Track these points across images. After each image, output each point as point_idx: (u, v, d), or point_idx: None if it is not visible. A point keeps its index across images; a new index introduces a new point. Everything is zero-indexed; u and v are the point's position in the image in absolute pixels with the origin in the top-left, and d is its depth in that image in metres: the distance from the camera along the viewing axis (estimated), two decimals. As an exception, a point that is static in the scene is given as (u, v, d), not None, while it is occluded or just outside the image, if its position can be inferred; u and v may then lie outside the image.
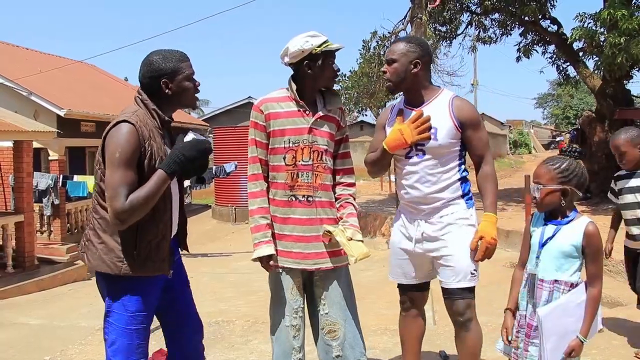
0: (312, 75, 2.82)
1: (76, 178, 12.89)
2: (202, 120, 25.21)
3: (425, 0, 12.73)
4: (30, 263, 10.76)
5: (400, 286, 3.13)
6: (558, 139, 46.12)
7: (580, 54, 13.42)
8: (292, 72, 2.90)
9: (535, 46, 15.19)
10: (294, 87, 2.86)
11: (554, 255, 2.39)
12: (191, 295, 2.76)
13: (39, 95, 13.51)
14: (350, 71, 16.37)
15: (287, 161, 2.83)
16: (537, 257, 2.44)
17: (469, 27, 16.31)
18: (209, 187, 19.47)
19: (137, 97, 2.48)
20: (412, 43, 2.91)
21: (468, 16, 15.98)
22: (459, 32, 16.32)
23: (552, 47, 14.99)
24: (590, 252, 2.37)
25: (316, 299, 2.93)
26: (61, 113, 13.36)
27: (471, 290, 2.90)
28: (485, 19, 15.84)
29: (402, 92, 3.05)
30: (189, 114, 22.55)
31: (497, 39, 16.01)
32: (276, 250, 2.85)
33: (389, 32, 14.93)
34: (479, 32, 16.28)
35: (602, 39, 11.11)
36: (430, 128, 2.82)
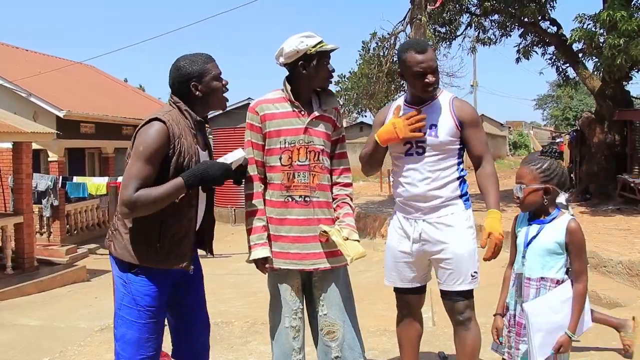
0: (307, 76, 2.82)
1: (75, 179, 12.90)
2: (202, 121, 25.05)
3: (425, 1, 12.75)
4: (29, 264, 10.77)
5: (396, 290, 3.12)
6: (558, 140, 46.13)
7: (580, 55, 13.43)
8: (287, 73, 2.90)
9: (534, 47, 15.20)
10: (289, 87, 2.86)
11: (539, 253, 2.43)
12: (204, 291, 2.81)
13: (39, 96, 13.51)
14: (349, 72, 16.38)
15: (283, 162, 2.83)
16: (523, 257, 2.48)
17: (469, 28, 16.34)
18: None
19: (170, 100, 2.59)
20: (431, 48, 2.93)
21: (467, 17, 16.00)
22: (458, 33, 16.35)
23: (551, 49, 15.00)
24: (574, 249, 2.41)
25: (315, 300, 2.92)
26: (61, 114, 13.36)
27: (471, 291, 2.91)
28: (485, 20, 15.85)
29: (404, 91, 3.06)
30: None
31: (496, 40, 16.03)
32: (273, 251, 2.84)
33: (388, 34, 14.95)
34: (479, 33, 16.30)
35: (601, 40, 11.11)
36: (424, 127, 2.83)
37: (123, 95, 20.65)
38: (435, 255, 2.91)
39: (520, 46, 15.25)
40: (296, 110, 2.85)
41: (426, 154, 2.88)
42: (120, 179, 11.72)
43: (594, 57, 12.12)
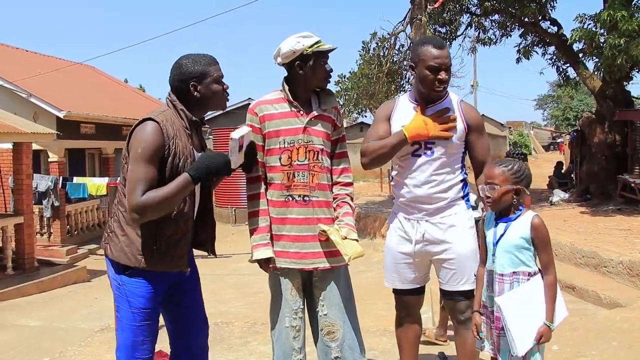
0: (304, 76, 2.82)
1: (76, 180, 12.91)
2: (202, 121, 25.09)
3: (425, 1, 12.74)
4: (30, 265, 10.76)
5: (396, 291, 3.11)
6: (558, 140, 46.15)
7: (580, 55, 13.42)
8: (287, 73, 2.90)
9: (535, 47, 15.18)
10: (287, 88, 2.86)
11: (507, 250, 2.53)
12: (201, 292, 2.80)
13: (39, 97, 13.50)
14: (349, 72, 16.38)
15: (283, 161, 2.83)
16: (493, 255, 2.58)
17: (469, 28, 16.31)
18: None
19: (167, 99, 2.56)
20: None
21: (468, 17, 15.98)
22: (458, 33, 16.31)
23: (552, 49, 14.99)
24: (539, 242, 2.51)
25: (315, 300, 2.92)
26: (61, 115, 13.35)
27: (472, 290, 2.90)
28: (485, 20, 15.84)
29: (404, 91, 3.05)
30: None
31: (496, 40, 16.01)
32: (275, 251, 2.84)
33: (388, 34, 14.95)
34: (479, 33, 16.28)
35: (602, 40, 11.11)
36: (455, 128, 2.82)
37: (123, 95, 20.65)
38: (437, 256, 2.91)
39: (521, 46, 15.23)
40: (295, 110, 2.85)
41: (434, 155, 2.87)
42: (120, 179, 11.77)
43: (594, 57, 12.12)
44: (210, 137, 19.73)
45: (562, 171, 17.18)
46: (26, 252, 10.72)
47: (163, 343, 2.78)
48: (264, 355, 4.31)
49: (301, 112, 2.85)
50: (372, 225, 13.25)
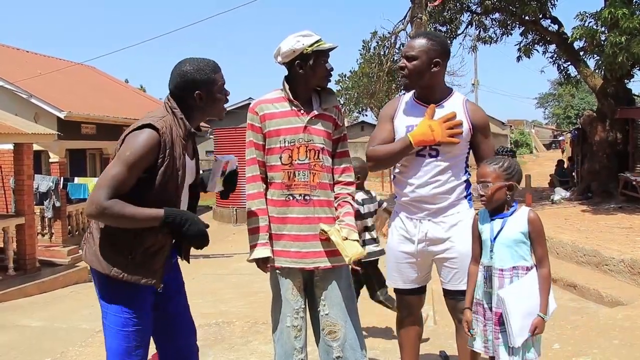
0: (304, 75, 2.81)
1: (77, 180, 12.89)
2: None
3: (425, 0, 12.74)
4: (31, 265, 10.78)
5: (397, 291, 3.10)
6: (560, 138, 46.12)
7: (581, 53, 13.41)
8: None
9: (535, 46, 15.18)
10: (287, 87, 2.85)
11: (507, 245, 2.58)
12: (186, 297, 2.72)
13: (39, 97, 13.51)
14: (350, 71, 16.39)
15: (284, 160, 2.83)
16: (491, 251, 2.61)
17: (470, 26, 16.33)
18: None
19: (167, 104, 2.45)
20: (433, 40, 2.86)
21: (468, 16, 15.99)
22: (459, 31, 16.34)
23: (552, 47, 14.99)
24: (535, 236, 2.58)
25: (316, 300, 2.91)
26: (61, 115, 13.36)
27: None
28: (486, 19, 15.85)
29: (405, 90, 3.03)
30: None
31: (497, 38, 16.02)
32: (274, 250, 2.84)
33: (389, 32, 14.97)
34: (480, 31, 16.29)
35: (603, 38, 11.11)
36: (461, 133, 2.81)
37: (124, 95, 20.67)
38: (440, 255, 2.90)
39: (521, 44, 15.24)
40: (295, 109, 2.84)
41: (439, 156, 2.85)
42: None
43: (595, 55, 12.11)
44: (210, 137, 19.74)
45: (565, 167, 17.20)
46: (27, 253, 10.74)
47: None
48: (265, 354, 4.31)
49: (302, 111, 2.84)
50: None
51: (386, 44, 15.10)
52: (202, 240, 2.38)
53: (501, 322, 2.55)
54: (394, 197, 3.14)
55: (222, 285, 8.53)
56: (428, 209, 2.89)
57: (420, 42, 2.84)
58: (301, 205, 2.82)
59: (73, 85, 17.36)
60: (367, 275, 4.46)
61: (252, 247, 2.83)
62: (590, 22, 11.59)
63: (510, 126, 47.80)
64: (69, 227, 14.28)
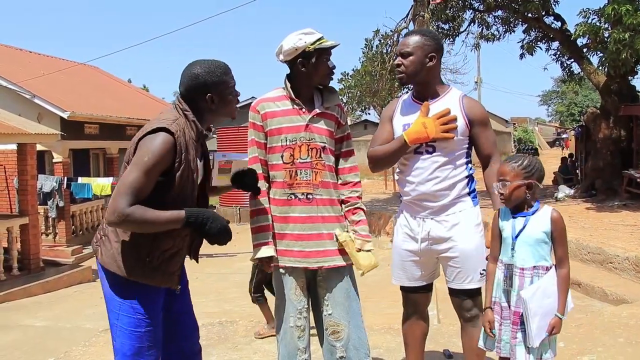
0: (306, 73, 2.80)
1: (80, 180, 12.93)
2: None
3: (427, -3, 12.71)
4: (35, 265, 10.80)
5: (403, 289, 3.09)
6: (563, 135, 46.02)
7: (585, 50, 13.36)
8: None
9: (538, 43, 15.11)
10: (289, 85, 2.84)
11: (529, 243, 2.56)
12: (189, 296, 2.73)
13: (43, 97, 13.53)
14: (353, 70, 16.37)
15: (285, 159, 2.82)
16: (513, 249, 2.59)
17: (472, 24, 16.26)
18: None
19: (178, 106, 2.44)
20: (427, 36, 2.88)
21: (471, 13, 15.94)
22: (461, 29, 16.27)
23: (555, 44, 14.93)
24: (557, 236, 2.56)
25: (320, 300, 2.91)
26: (65, 115, 13.38)
27: (479, 288, 2.89)
28: (488, 16, 15.79)
29: (411, 86, 3.03)
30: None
31: (500, 36, 15.97)
32: (277, 250, 2.83)
33: (391, 31, 14.92)
34: (482, 29, 16.23)
35: (606, 34, 11.06)
36: (455, 128, 2.79)
37: (127, 95, 20.68)
38: (443, 254, 2.89)
39: (524, 42, 15.15)
40: (297, 107, 2.83)
41: (436, 152, 2.84)
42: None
43: (598, 52, 12.07)
44: (214, 136, 19.76)
45: (568, 163, 17.16)
46: (31, 253, 10.76)
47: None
48: (268, 354, 4.31)
49: (303, 110, 2.83)
50: (377, 223, 13.23)
51: (389, 42, 15.05)
52: (225, 236, 2.38)
53: (520, 321, 2.53)
54: (398, 196, 3.14)
55: (225, 285, 8.55)
56: (430, 207, 2.88)
57: (414, 38, 2.87)
58: (304, 204, 2.82)
59: (76, 86, 17.38)
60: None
61: (256, 246, 2.82)
62: (594, 18, 11.55)
63: (514, 124, 47.70)
64: (73, 226, 14.31)
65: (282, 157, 2.82)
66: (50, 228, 13.81)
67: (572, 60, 14.62)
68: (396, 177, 3.11)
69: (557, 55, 15.29)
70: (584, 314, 5.12)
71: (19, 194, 11.58)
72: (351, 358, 2.85)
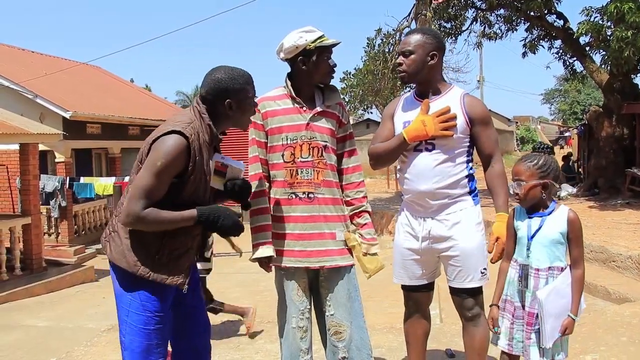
0: (307, 71, 2.79)
1: (83, 180, 12.93)
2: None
3: (429, -4, 12.69)
4: (37, 265, 10.80)
5: (404, 288, 3.08)
6: (566, 134, 45.94)
7: (587, 48, 13.34)
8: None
9: (541, 41, 15.08)
10: (290, 83, 2.83)
11: (544, 244, 2.54)
12: (200, 294, 2.76)
13: (45, 97, 13.53)
14: (355, 69, 16.35)
15: (286, 158, 2.81)
16: (528, 249, 2.58)
17: (474, 23, 16.23)
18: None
19: (196, 108, 2.47)
20: (428, 34, 2.88)
21: (473, 12, 15.92)
22: (464, 28, 16.25)
23: (558, 42, 14.89)
24: (574, 237, 2.54)
25: (322, 300, 2.90)
26: (67, 115, 13.38)
27: (480, 287, 2.89)
28: (491, 15, 15.76)
29: (412, 85, 3.02)
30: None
31: (502, 34, 15.93)
32: (278, 250, 2.82)
33: (393, 30, 14.92)
34: (484, 28, 16.20)
35: (608, 33, 11.03)
36: (455, 126, 2.77)
37: (129, 95, 20.68)
38: (444, 253, 2.88)
39: (527, 40, 15.13)
40: (297, 106, 2.82)
41: (435, 150, 2.83)
42: (127, 178, 11.79)
43: (601, 50, 12.05)
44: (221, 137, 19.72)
45: (571, 163, 17.12)
46: (34, 253, 10.76)
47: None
48: (270, 353, 4.30)
49: (304, 108, 2.82)
50: (380, 222, 13.22)
51: (391, 41, 15.04)
52: (237, 231, 2.48)
53: (534, 322, 2.52)
54: (400, 195, 3.13)
55: (227, 285, 8.52)
56: (430, 205, 2.86)
57: (415, 37, 2.86)
58: (305, 204, 2.81)
59: (78, 85, 17.39)
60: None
61: (255, 246, 2.82)
62: (596, 17, 11.52)
63: (516, 122, 47.65)
64: (75, 226, 14.32)
65: (282, 156, 2.81)
66: (53, 228, 13.82)
67: (575, 58, 14.59)
68: (398, 176, 3.10)
69: (559, 54, 15.26)
70: (586, 312, 5.09)
71: (21, 194, 11.58)
72: (353, 358, 2.85)
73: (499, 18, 15.79)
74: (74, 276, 10.92)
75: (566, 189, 12.32)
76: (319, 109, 2.84)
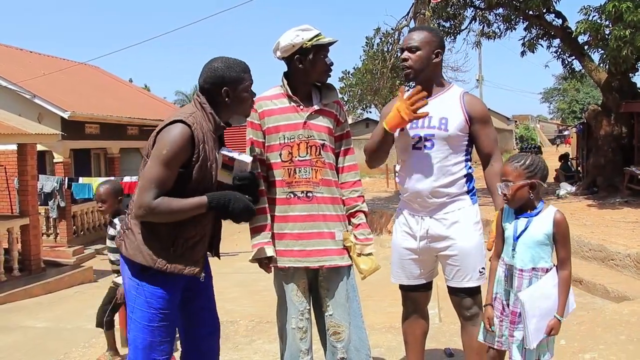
0: (304, 70, 2.78)
1: (81, 180, 12.92)
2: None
3: (428, -5, 12.68)
4: (36, 266, 10.79)
5: (402, 288, 3.07)
6: (565, 133, 45.97)
7: (586, 47, 13.32)
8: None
9: (540, 40, 15.07)
10: (286, 82, 2.82)
11: (529, 245, 2.54)
12: (213, 292, 2.76)
13: (43, 97, 13.53)
14: (354, 68, 16.34)
15: (283, 157, 2.80)
16: (513, 249, 2.58)
17: (473, 22, 16.20)
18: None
19: (196, 99, 2.52)
20: (433, 32, 2.88)
21: (472, 11, 15.89)
22: (462, 27, 16.22)
23: (557, 41, 14.88)
24: (560, 238, 2.53)
25: (321, 300, 2.90)
26: (65, 115, 13.37)
27: (478, 286, 2.88)
28: (489, 14, 15.74)
29: (409, 87, 3.00)
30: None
31: (501, 33, 15.92)
32: (277, 250, 2.81)
33: (392, 29, 14.90)
34: (483, 27, 16.18)
35: (607, 31, 11.02)
36: (426, 104, 2.70)
37: (128, 95, 20.67)
38: (442, 252, 2.87)
39: (525, 39, 15.12)
40: (294, 105, 2.82)
41: (434, 148, 2.82)
42: (126, 179, 11.82)
43: (599, 49, 12.03)
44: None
45: (570, 162, 17.13)
46: (32, 253, 10.75)
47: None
48: (269, 353, 4.30)
49: (301, 107, 2.81)
50: (378, 221, 13.21)
51: (389, 40, 15.02)
52: (249, 214, 2.55)
53: (517, 321, 2.54)
54: (399, 195, 3.12)
55: (226, 284, 8.52)
56: (429, 204, 2.86)
57: (422, 33, 2.85)
58: (303, 203, 2.80)
59: (76, 85, 17.38)
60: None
61: (254, 246, 2.81)
62: (595, 15, 11.51)
63: (515, 121, 47.69)
64: (74, 227, 14.31)
65: (280, 155, 2.80)
66: (51, 228, 13.81)
67: (573, 57, 14.58)
68: (397, 175, 3.10)
69: (558, 53, 15.25)
70: (585, 311, 5.10)
71: (19, 194, 11.57)
72: (352, 359, 2.84)
73: (497, 17, 15.78)
74: (73, 277, 10.91)
75: (565, 188, 12.39)
76: (316, 107, 2.83)
